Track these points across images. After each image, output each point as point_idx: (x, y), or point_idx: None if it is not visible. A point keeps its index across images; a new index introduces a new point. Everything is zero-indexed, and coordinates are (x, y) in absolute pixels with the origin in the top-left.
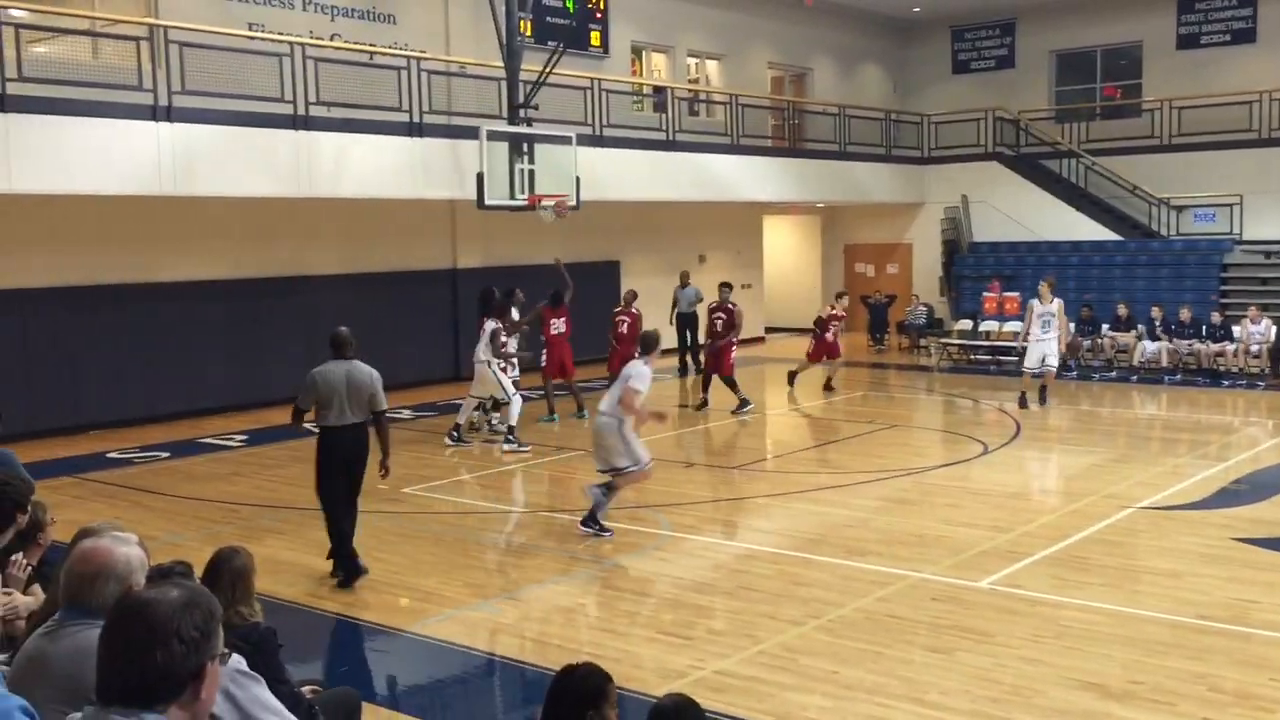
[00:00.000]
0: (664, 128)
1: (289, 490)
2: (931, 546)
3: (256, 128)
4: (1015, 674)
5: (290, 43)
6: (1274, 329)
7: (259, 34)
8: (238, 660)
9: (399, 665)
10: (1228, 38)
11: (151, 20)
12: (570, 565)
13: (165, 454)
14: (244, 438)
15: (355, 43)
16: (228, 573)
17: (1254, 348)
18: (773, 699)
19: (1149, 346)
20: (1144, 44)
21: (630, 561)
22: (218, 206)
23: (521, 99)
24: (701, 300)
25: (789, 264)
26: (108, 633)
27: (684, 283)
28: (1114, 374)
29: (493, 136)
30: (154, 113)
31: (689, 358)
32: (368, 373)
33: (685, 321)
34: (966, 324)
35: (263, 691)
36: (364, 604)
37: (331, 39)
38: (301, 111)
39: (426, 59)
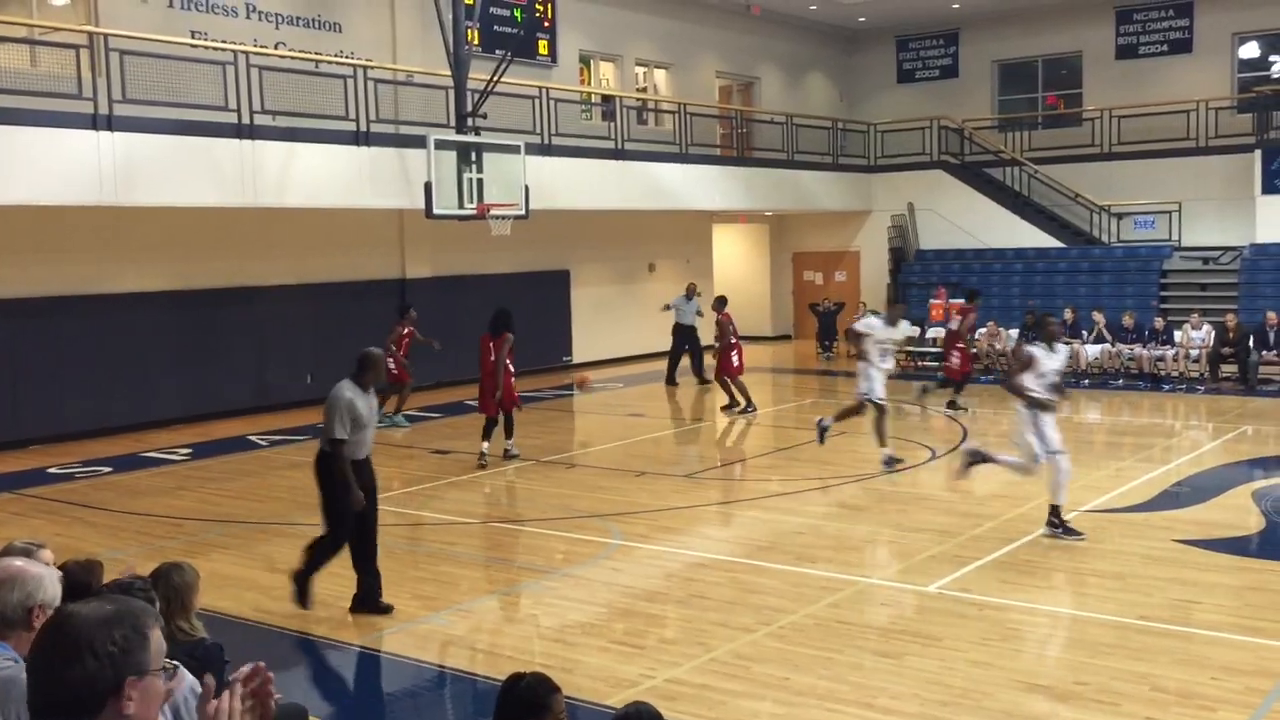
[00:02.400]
0: (613, 137)
1: (235, 505)
2: (881, 552)
3: (200, 137)
4: (964, 677)
5: (234, 51)
6: (1213, 334)
7: (202, 42)
8: (194, 682)
9: (349, 680)
10: (1165, 48)
11: (91, 28)
12: (521, 576)
13: (108, 469)
14: (189, 451)
15: (300, 51)
16: (164, 587)
17: (1194, 352)
18: (724, 706)
19: (1091, 351)
20: (1084, 54)
21: (581, 571)
22: (162, 217)
23: (469, 108)
24: (701, 315)
25: (738, 272)
26: (33, 646)
27: (690, 294)
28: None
29: (440, 145)
30: (94, 121)
31: (695, 370)
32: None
33: (682, 333)
34: (914, 330)
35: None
36: (313, 619)
37: (276, 47)
38: (246, 120)
39: (373, 68)
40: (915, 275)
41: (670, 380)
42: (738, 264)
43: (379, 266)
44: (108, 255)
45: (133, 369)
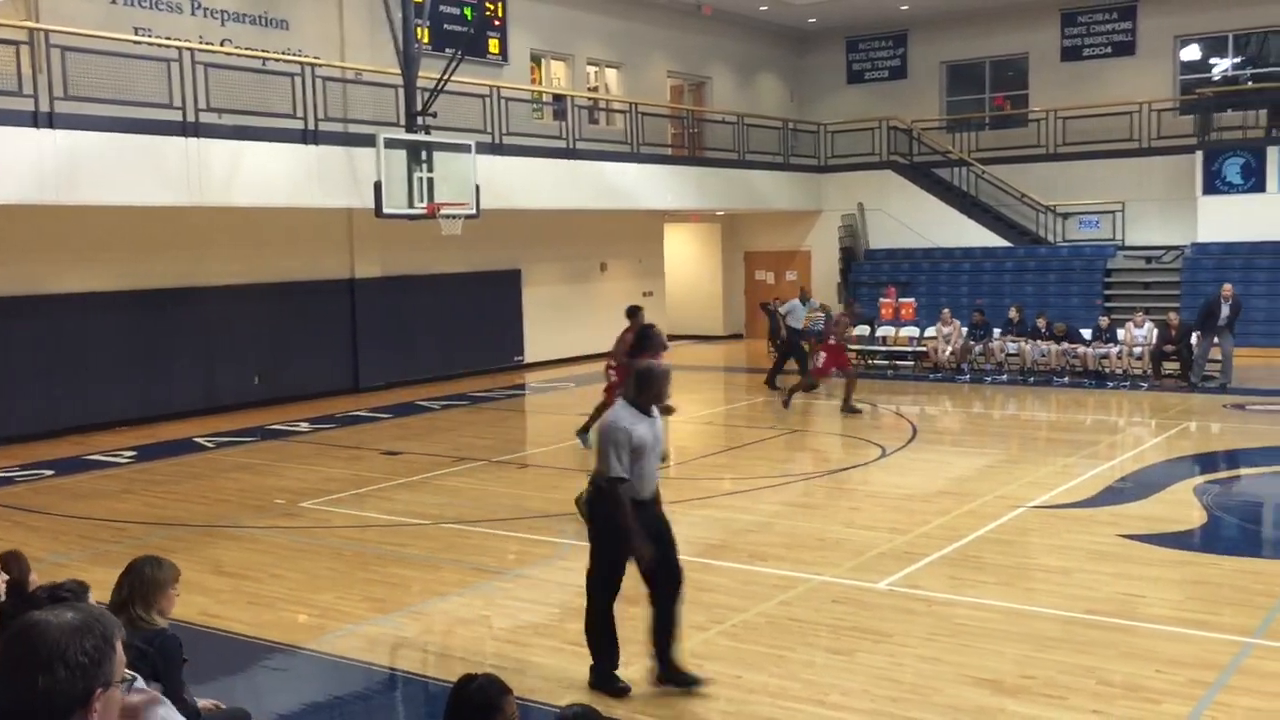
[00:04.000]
0: (564, 136)
1: (180, 507)
2: (832, 549)
3: (145, 135)
4: (914, 673)
5: (179, 47)
6: (1155, 332)
7: (146, 39)
8: (141, 684)
9: (298, 683)
10: (1109, 50)
11: (32, 24)
12: (473, 577)
13: (50, 471)
14: (134, 454)
15: (247, 48)
16: (133, 576)
17: (1137, 350)
18: (675, 706)
19: (1036, 349)
20: (1030, 56)
21: (533, 572)
22: (107, 216)
23: (419, 107)
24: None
25: (690, 272)
26: (0, 655)
27: (804, 298)
28: (1005, 377)
29: (390, 144)
30: (35, 119)
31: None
32: None
33: (797, 335)
34: (864, 329)
35: (171, 715)
36: (261, 622)
37: (222, 44)
38: (192, 119)
39: (321, 65)
40: (865, 274)
41: (771, 383)
42: (690, 263)
43: (328, 266)
44: (51, 255)
45: (77, 370)
